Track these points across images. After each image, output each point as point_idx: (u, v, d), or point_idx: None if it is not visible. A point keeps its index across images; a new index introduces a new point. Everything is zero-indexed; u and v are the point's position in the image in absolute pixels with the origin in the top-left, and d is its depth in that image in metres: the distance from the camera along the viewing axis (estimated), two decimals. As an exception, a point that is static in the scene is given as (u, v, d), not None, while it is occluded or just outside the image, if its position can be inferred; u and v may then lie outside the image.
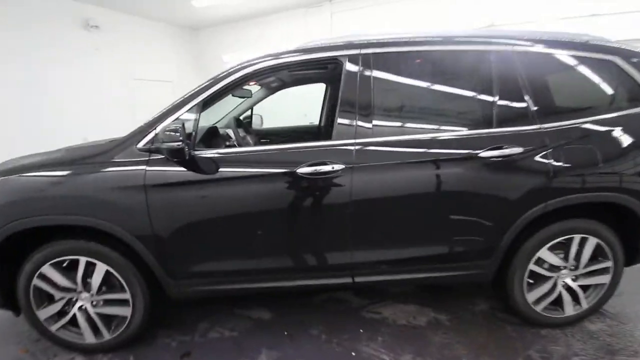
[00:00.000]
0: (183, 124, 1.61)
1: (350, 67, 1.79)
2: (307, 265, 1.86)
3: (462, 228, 1.81)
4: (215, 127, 2.42)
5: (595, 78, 1.82)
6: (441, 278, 1.92)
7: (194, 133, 1.74)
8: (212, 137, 2.28)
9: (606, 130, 1.77)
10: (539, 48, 1.82)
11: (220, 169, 1.71)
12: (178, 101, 1.80)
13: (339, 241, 1.80)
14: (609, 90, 1.84)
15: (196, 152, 1.73)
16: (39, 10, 5.34)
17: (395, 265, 1.86)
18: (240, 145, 2.16)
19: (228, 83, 1.80)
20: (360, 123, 1.74)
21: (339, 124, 1.75)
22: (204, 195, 1.72)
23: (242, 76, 1.81)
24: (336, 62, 1.83)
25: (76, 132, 5.51)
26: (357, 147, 1.71)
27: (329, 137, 1.76)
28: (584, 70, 1.82)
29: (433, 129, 1.82)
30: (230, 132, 2.39)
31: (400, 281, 1.96)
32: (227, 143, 2.21)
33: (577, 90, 1.87)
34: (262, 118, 3.72)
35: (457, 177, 1.74)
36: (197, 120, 1.77)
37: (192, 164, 1.70)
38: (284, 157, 1.75)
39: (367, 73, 1.77)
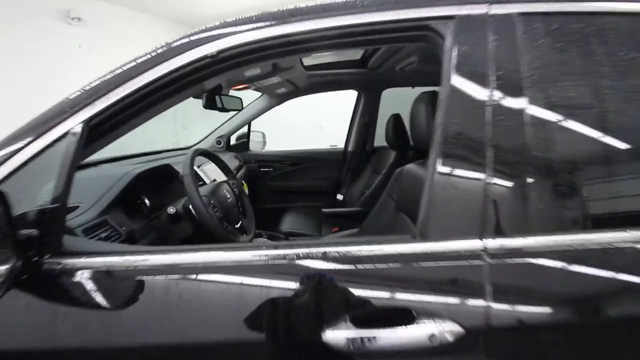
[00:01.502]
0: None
1: (464, 46, 0.70)
2: None
3: None
4: (168, 165, 1.31)
5: None
6: None
7: (55, 203, 0.65)
8: (160, 189, 1.17)
9: None
10: None
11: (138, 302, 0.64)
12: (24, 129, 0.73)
13: None
14: None
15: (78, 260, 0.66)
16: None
17: None
18: (205, 220, 1.00)
19: (164, 78, 0.73)
20: (498, 181, 0.65)
21: (437, 176, 0.66)
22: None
23: (200, 62, 0.75)
24: (423, 36, 0.76)
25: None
26: (492, 260, 0.62)
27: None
28: None
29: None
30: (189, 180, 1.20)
31: None
32: (171, 210, 1.06)
33: None
34: (264, 136, 2.65)
35: None
36: (69, 167, 0.68)
37: (43, 289, 0.64)
38: (287, 293, 0.64)
39: (512, 59, 0.69)
